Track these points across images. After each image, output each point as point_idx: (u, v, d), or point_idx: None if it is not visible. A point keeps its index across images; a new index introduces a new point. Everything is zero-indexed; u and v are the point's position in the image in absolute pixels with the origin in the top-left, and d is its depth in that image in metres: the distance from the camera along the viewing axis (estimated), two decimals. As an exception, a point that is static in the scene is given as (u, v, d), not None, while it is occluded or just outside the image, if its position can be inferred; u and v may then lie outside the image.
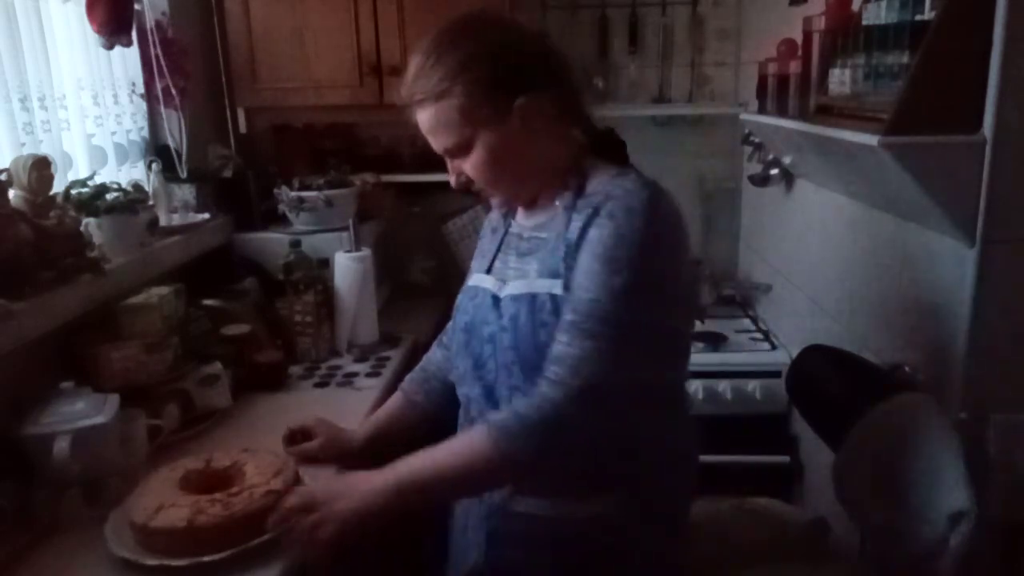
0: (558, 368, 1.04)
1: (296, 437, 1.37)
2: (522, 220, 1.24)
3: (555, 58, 1.16)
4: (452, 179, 1.19)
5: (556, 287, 1.09)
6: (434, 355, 1.44)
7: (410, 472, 1.08)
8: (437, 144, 1.15)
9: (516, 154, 1.13)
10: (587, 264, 1.06)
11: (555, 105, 1.13)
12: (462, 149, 1.13)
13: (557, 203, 1.15)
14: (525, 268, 1.17)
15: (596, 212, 1.08)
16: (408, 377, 1.45)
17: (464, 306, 1.25)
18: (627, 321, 1.03)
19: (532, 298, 1.11)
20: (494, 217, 1.33)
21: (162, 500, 1.12)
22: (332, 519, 1.05)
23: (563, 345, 1.04)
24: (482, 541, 1.20)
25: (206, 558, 1.06)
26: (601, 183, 1.12)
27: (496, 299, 1.18)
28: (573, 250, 1.09)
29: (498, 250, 1.26)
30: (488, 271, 1.25)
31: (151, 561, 1.07)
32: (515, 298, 1.14)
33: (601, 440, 1.08)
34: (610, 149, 1.20)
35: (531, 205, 1.22)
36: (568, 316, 1.05)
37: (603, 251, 1.05)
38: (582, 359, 1.02)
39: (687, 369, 1.24)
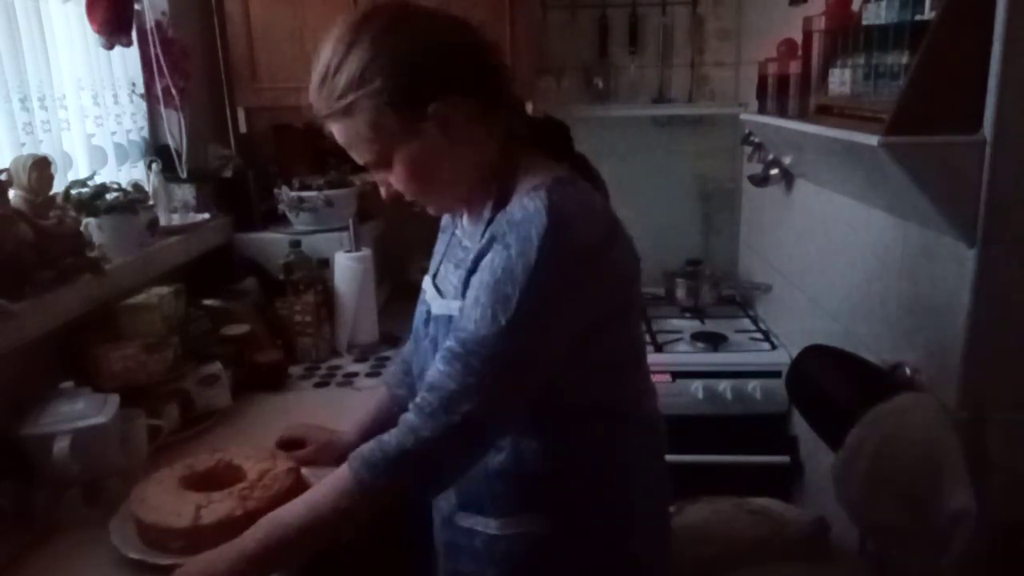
0: (431, 397, 0.97)
1: (288, 446, 1.36)
2: (465, 223, 1.16)
3: (476, 49, 1.03)
4: (382, 191, 1.10)
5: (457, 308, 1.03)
6: (411, 346, 1.39)
7: (288, 516, 1.00)
8: (357, 159, 1.06)
9: (439, 163, 1.03)
10: (475, 293, 0.98)
11: (477, 104, 1.02)
12: (383, 163, 1.04)
13: (485, 213, 1.07)
14: (452, 282, 1.13)
15: (494, 238, 0.99)
16: (390, 370, 1.43)
17: (417, 307, 1.23)
18: (510, 357, 0.96)
19: (448, 320, 1.06)
20: (445, 217, 1.26)
21: (195, 501, 1.11)
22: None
23: (442, 375, 0.97)
24: (441, 550, 1.21)
25: None
26: (518, 197, 1.01)
27: (428, 314, 1.15)
28: (469, 273, 1.02)
29: (444, 254, 1.21)
30: (434, 276, 1.21)
31: None
32: (436, 319, 1.11)
33: (507, 464, 1.06)
34: (552, 139, 1.12)
35: (470, 210, 1.13)
36: (451, 343, 0.98)
37: (492, 282, 0.96)
38: (459, 393, 0.95)
39: (641, 384, 1.16)
